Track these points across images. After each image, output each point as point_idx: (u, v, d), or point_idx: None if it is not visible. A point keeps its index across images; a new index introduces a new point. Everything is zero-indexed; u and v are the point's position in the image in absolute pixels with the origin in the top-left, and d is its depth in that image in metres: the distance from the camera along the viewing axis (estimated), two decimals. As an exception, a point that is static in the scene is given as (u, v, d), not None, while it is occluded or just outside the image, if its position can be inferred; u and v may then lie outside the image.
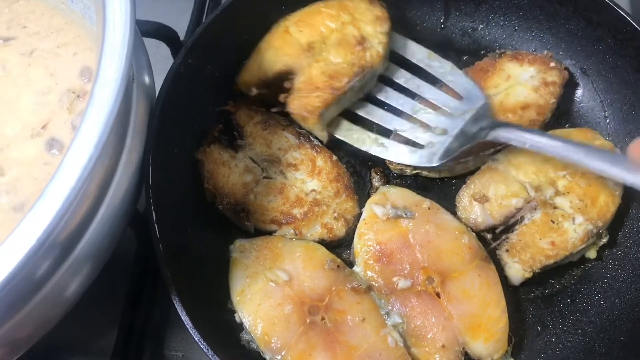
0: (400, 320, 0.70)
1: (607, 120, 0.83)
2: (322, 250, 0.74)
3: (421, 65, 0.82)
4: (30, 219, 0.53)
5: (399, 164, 0.79)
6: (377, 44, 0.74)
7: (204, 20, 0.88)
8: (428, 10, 0.90)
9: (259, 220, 0.76)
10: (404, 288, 0.71)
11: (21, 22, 0.85)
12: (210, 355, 0.63)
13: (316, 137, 0.80)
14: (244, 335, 0.70)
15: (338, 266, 0.72)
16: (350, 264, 0.75)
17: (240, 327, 0.71)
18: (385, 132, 0.80)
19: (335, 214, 0.76)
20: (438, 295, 0.71)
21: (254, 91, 0.77)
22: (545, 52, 0.84)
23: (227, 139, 0.81)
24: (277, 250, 0.73)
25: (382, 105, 0.81)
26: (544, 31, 0.86)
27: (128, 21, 0.62)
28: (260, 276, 0.71)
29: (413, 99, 0.80)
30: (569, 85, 0.84)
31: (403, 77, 0.81)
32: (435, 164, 0.75)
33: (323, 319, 0.69)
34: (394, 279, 0.72)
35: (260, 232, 0.76)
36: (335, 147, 0.81)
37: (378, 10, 0.78)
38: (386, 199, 0.76)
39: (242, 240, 0.75)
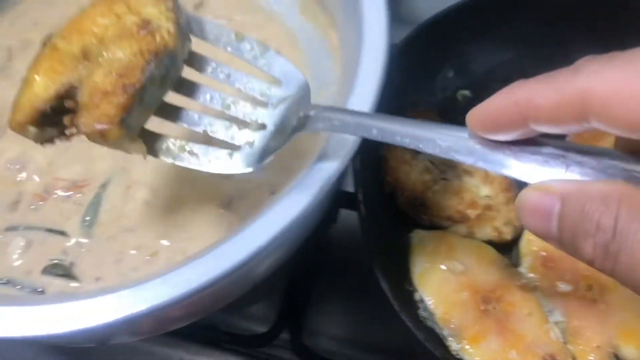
0: (562, 319, 0.79)
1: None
2: (492, 249, 0.83)
3: (228, 49, 0.65)
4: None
5: None
6: (165, 22, 0.58)
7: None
8: (586, 53, 0.99)
9: (435, 215, 0.85)
10: (566, 292, 0.80)
11: (227, 14, 0.94)
12: (408, 324, 0.72)
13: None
14: (422, 312, 0.79)
15: (506, 265, 0.82)
16: (513, 266, 0.84)
17: (416, 305, 0.80)
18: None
19: (505, 220, 0.85)
20: (596, 301, 0.79)
21: (32, 130, 0.58)
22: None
23: (408, 140, 0.90)
24: (452, 244, 0.82)
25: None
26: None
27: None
28: (438, 264, 0.80)
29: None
30: None
31: (209, 66, 0.64)
32: (252, 168, 0.60)
33: (495, 308, 0.78)
34: (557, 283, 0.80)
35: (434, 226, 0.86)
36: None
37: None
38: (552, 212, 0.85)
39: (421, 230, 0.84)
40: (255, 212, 0.61)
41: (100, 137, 0.56)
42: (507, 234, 0.85)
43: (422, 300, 0.79)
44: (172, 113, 0.62)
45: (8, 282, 0.74)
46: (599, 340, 0.78)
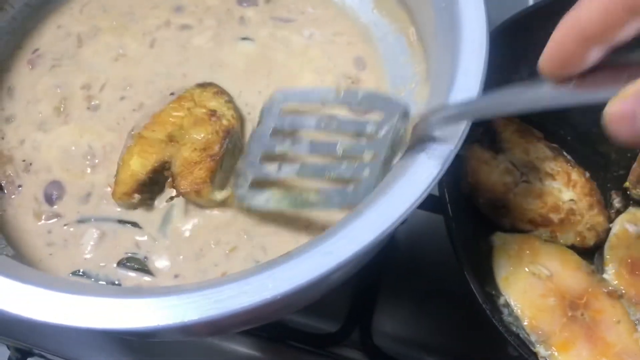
0: (650, 329, 0.77)
1: None
2: (576, 255, 0.81)
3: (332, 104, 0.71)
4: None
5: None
6: (227, 111, 0.77)
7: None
8: None
9: (516, 219, 0.83)
10: (654, 301, 0.78)
11: (300, 7, 0.93)
12: (500, 328, 0.71)
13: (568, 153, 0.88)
14: (507, 317, 0.78)
15: (592, 271, 0.80)
16: (596, 272, 0.82)
17: (500, 309, 0.78)
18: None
19: (588, 225, 0.83)
20: (685, 312, 0.78)
21: (136, 197, 0.73)
22: None
23: (487, 141, 0.89)
24: (535, 248, 0.81)
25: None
26: None
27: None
28: (522, 267, 0.79)
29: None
30: None
31: (321, 121, 0.70)
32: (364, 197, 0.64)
33: (582, 314, 0.76)
34: (645, 292, 0.79)
35: (515, 229, 0.84)
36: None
37: (212, 88, 0.78)
38: (637, 219, 0.83)
39: (503, 233, 0.82)
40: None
41: (195, 195, 0.73)
42: (590, 240, 0.83)
43: (506, 305, 0.78)
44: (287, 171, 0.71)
45: (84, 274, 0.73)
46: (688, 353, 0.76)
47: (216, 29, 0.89)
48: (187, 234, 0.75)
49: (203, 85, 0.79)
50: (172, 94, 0.80)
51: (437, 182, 0.77)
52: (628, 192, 0.89)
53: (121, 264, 0.73)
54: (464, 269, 0.73)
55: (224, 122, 0.75)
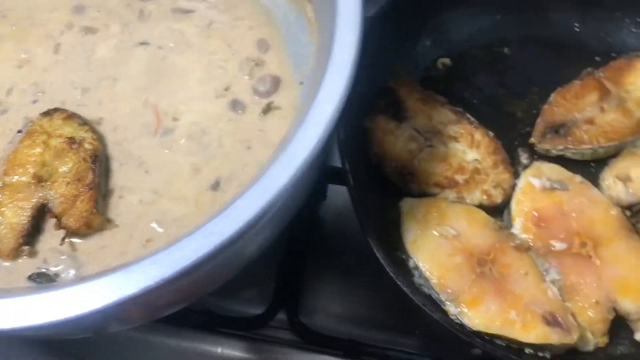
0: (558, 277, 0.79)
1: None
2: (483, 213, 0.83)
3: None
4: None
5: (546, 143, 0.88)
6: (84, 134, 0.75)
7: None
8: (565, 15, 0.99)
9: (423, 183, 0.84)
10: (560, 250, 0.80)
11: (200, -4, 0.93)
12: (405, 289, 0.72)
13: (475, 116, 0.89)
14: (417, 280, 0.79)
15: (500, 227, 0.81)
16: (505, 228, 0.83)
17: (411, 272, 0.79)
18: None
19: (494, 183, 0.85)
20: (590, 258, 0.79)
21: (25, 249, 0.71)
22: (678, 56, 0.94)
23: (391, 111, 0.90)
24: (442, 210, 0.82)
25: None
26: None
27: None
28: (430, 230, 0.80)
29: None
30: None
31: None
32: None
33: (490, 270, 0.77)
34: (551, 242, 0.80)
35: (423, 194, 0.85)
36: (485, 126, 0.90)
37: (59, 114, 0.77)
38: (541, 172, 0.85)
39: (410, 199, 0.84)
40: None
41: (86, 227, 0.71)
42: (497, 197, 0.84)
43: (416, 267, 0.79)
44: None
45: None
46: (596, 296, 0.78)
47: (120, 35, 0.88)
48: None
49: (48, 113, 0.76)
50: (19, 131, 0.76)
51: (340, 153, 0.79)
52: (535, 148, 0.90)
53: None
54: (367, 235, 0.74)
55: (87, 146, 0.73)
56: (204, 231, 0.56)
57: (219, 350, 0.87)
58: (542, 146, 0.89)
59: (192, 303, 0.74)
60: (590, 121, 0.90)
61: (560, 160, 0.90)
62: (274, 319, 0.88)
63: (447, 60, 0.97)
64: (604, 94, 0.92)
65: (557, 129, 0.90)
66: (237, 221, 0.56)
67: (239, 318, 0.89)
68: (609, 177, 0.86)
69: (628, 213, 0.86)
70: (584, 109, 0.91)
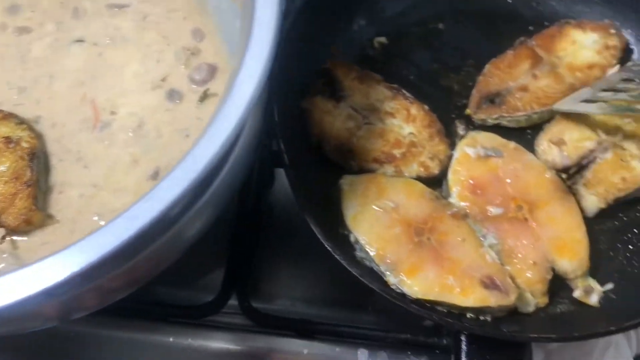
0: (495, 241, 0.80)
1: (660, 78, 0.94)
2: (420, 184, 0.84)
3: None
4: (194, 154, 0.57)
5: (482, 113, 0.90)
6: (21, 132, 0.75)
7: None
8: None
9: (362, 160, 0.86)
10: (497, 215, 0.82)
11: (133, -11, 0.94)
12: (342, 261, 0.73)
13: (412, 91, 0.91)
14: (358, 253, 0.80)
15: (436, 197, 0.83)
16: (444, 198, 0.85)
17: (353, 247, 0.81)
18: None
19: (430, 155, 0.86)
20: (527, 220, 0.81)
21: None
22: (606, 20, 0.96)
23: (329, 91, 0.91)
24: (381, 184, 0.83)
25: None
26: (602, 4, 0.98)
27: None
28: (369, 205, 0.81)
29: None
30: (627, 50, 0.96)
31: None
32: None
33: (428, 239, 0.79)
34: (487, 208, 0.82)
35: (363, 171, 0.86)
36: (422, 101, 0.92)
37: None
38: (476, 142, 0.86)
39: (350, 176, 0.85)
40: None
41: (26, 224, 0.72)
42: (434, 168, 0.86)
43: (357, 242, 0.80)
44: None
45: None
46: (534, 257, 0.80)
47: (55, 33, 0.89)
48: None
49: None
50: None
51: (276, 134, 0.80)
52: (472, 119, 0.92)
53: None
54: (303, 212, 0.76)
55: (24, 145, 0.74)
56: (127, 216, 0.56)
57: (171, 339, 0.88)
58: (478, 116, 0.91)
59: (143, 293, 0.75)
60: (524, 88, 0.92)
61: (497, 129, 0.92)
62: (226, 305, 0.89)
63: (383, 39, 0.99)
64: (537, 61, 0.93)
65: (492, 99, 0.92)
66: (159, 204, 0.56)
67: (190, 306, 0.90)
68: (543, 142, 0.88)
69: (564, 176, 0.87)
70: (517, 77, 0.93)
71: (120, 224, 0.56)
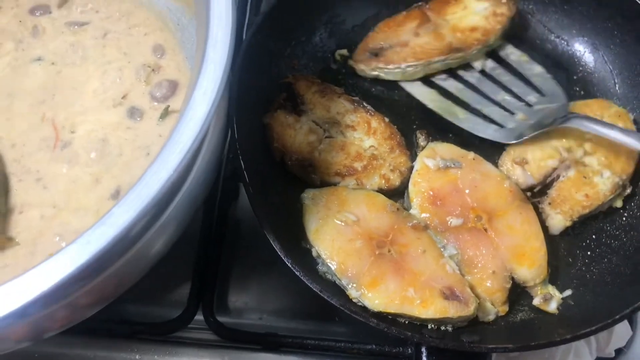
0: (455, 252, 0.81)
1: (617, 87, 0.97)
2: (382, 196, 0.85)
3: (513, 64, 0.98)
4: (154, 170, 0.57)
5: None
6: None
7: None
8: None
9: (324, 173, 0.86)
10: (457, 225, 0.83)
11: (94, 7, 0.94)
12: (302, 278, 0.74)
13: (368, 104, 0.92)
14: (321, 267, 0.81)
15: (397, 209, 0.84)
16: (405, 209, 0.86)
17: (315, 261, 0.81)
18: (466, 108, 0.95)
19: (391, 167, 0.87)
20: (486, 230, 0.82)
21: None
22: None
23: (290, 105, 0.91)
24: (342, 197, 0.84)
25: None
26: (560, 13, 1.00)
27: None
28: (331, 218, 0.82)
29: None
30: (583, 59, 0.98)
31: (499, 70, 0.98)
32: (510, 141, 0.91)
33: (389, 251, 0.80)
34: (447, 218, 0.83)
35: (325, 184, 0.87)
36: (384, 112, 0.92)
37: None
38: (435, 153, 0.87)
39: (312, 189, 0.85)
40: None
41: None
42: (395, 180, 0.87)
43: (319, 256, 0.80)
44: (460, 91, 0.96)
45: None
46: (493, 266, 0.81)
47: (14, 52, 0.88)
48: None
49: None
50: None
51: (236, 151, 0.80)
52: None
53: None
54: (263, 227, 0.76)
55: None
56: (81, 241, 0.56)
57: (137, 357, 0.88)
58: (359, 67, 0.96)
59: (110, 311, 0.75)
60: (404, 44, 0.96)
61: (457, 140, 0.92)
62: (192, 320, 0.89)
63: (344, 52, 1.00)
64: (424, 22, 0.98)
65: (376, 52, 0.96)
66: (113, 228, 0.56)
67: (156, 323, 0.90)
68: (507, 162, 0.90)
69: (529, 194, 0.89)
70: (401, 35, 0.98)
71: (74, 249, 0.56)
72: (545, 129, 0.88)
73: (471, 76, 0.97)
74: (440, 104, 0.94)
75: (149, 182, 0.59)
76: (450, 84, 0.96)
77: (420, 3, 1.01)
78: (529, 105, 0.94)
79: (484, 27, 0.96)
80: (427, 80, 0.97)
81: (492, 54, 0.99)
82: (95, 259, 0.56)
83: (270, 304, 0.95)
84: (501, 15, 0.97)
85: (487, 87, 0.96)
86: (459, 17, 0.98)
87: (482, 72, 0.98)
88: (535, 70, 0.97)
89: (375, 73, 0.97)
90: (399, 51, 0.96)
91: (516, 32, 1.01)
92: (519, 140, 0.89)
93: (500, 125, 0.92)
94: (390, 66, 0.95)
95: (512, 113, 0.93)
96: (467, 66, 0.98)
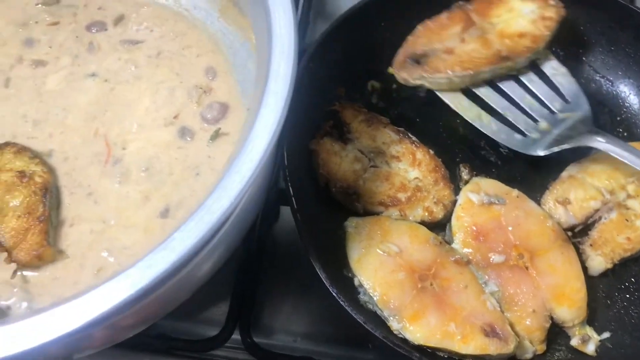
0: (496, 289, 0.82)
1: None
2: (425, 229, 0.86)
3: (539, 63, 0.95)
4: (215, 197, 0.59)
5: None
6: (35, 167, 0.77)
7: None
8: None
9: (367, 202, 0.87)
10: (499, 262, 0.83)
11: (149, 26, 0.96)
12: (347, 308, 0.75)
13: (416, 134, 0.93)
14: (362, 297, 0.82)
15: (440, 242, 0.84)
16: (447, 243, 0.86)
17: (357, 290, 0.82)
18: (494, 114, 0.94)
19: (435, 200, 0.88)
20: (527, 268, 0.83)
21: None
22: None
23: (336, 133, 0.93)
24: (385, 227, 0.85)
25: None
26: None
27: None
28: (373, 248, 0.83)
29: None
30: (628, 101, 0.99)
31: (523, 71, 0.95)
32: (531, 153, 0.90)
33: (432, 284, 0.80)
34: (490, 255, 0.84)
35: (369, 213, 0.88)
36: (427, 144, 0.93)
37: (10, 147, 0.79)
38: (479, 188, 0.88)
39: (355, 218, 0.86)
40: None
41: (37, 260, 0.72)
42: (438, 213, 0.87)
43: (361, 285, 0.81)
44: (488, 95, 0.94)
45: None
46: (533, 305, 0.81)
47: (70, 67, 0.90)
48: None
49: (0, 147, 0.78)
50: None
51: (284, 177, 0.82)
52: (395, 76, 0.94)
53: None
54: (309, 254, 0.77)
55: (37, 179, 0.75)
56: (143, 265, 0.58)
57: (175, 373, 0.89)
58: (401, 75, 0.93)
59: (148, 326, 0.76)
60: (450, 51, 0.92)
61: (501, 175, 0.93)
62: (229, 339, 0.90)
63: (377, 83, 1.00)
64: (468, 25, 0.94)
65: (418, 59, 0.93)
66: (175, 253, 0.58)
67: (194, 340, 0.91)
68: (549, 201, 0.90)
69: (570, 234, 0.89)
70: (445, 39, 0.93)
71: (135, 273, 0.57)
72: (569, 146, 0.88)
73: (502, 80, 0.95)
74: (466, 107, 0.93)
75: (211, 208, 0.60)
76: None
77: (461, 2, 0.97)
78: (552, 112, 0.93)
79: (531, 32, 0.92)
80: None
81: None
82: (156, 282, 0.57)
83: (304, 326, 0.96)
84: (549, 20, 0.93)
85: (513, 89, 0.95)
86: (505, 20, 0.94)
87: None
88: (560, 70, 0.95)
89: (419, 82, 0.93)
90: (445, 58, 0.92)
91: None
92: (543, 154, 0.89)
93: (524, 134, 0.92)
94: (436, 75, 0.91)
95: (536, 121, 0.93)
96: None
